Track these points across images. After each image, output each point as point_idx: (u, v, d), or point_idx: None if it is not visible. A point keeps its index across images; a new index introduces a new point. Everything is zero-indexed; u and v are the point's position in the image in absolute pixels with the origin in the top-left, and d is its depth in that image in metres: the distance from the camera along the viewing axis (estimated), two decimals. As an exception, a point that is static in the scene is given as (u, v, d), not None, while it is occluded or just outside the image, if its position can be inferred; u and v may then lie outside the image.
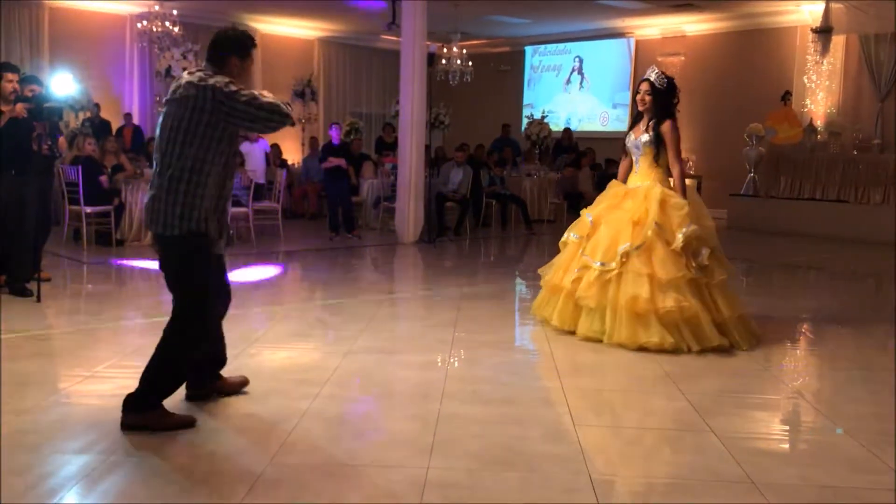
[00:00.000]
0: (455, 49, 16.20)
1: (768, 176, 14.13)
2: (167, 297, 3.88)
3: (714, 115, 15.10)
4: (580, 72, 17.93)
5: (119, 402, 3.76)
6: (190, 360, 3.86)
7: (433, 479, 3.27)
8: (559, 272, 5.92)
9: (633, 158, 5.95)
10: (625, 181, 6.01)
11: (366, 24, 16.20)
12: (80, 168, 9.54)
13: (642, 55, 16.47)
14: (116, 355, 5.03)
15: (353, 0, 14.40)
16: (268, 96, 3.73)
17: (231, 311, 4.34)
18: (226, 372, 4.31)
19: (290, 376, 4.66)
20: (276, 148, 13.85)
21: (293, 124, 3.99)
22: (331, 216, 11.62)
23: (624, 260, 5.48)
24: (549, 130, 15.73)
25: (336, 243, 10.89)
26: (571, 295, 5.74)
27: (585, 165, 15.09)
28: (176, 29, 13.69)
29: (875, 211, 12.50)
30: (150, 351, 3.84)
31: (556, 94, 18.28)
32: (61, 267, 8.41)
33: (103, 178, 9.87)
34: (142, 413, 3.72)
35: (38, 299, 6.49)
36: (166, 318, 3.86)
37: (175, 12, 13.72)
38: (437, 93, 14.76)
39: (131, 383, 3.79)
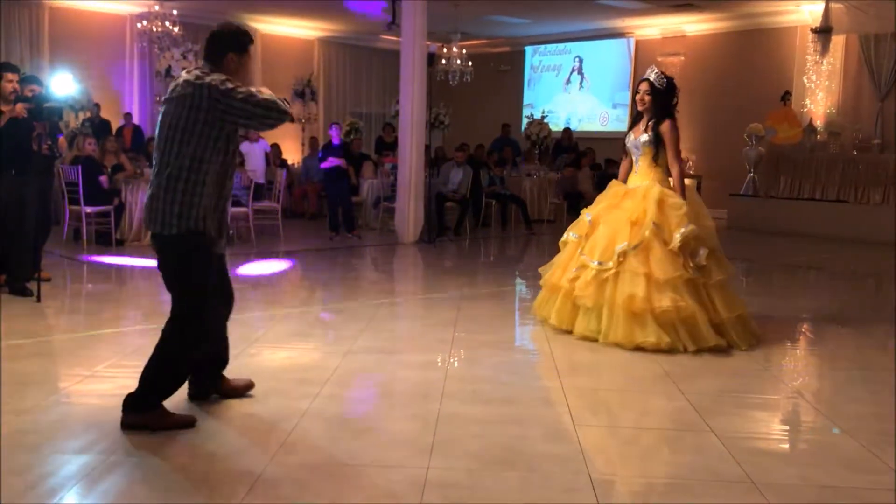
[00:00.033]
0: (455, 49, 16.20)
1: (768, 176, 14.13)
2: (167, 298, 3.87)
3: (714, 115, 15.10)
4: (580, 72, 17.93)
5: (119, 402, 3.76)
6: (190, 360, 3.86)
7: (433, 478, 3.27)
8: (558, 271, 5.94)
9: (633, 158, 5.96)
10: (625, 181, 6.02)
11: (366, 24, 16.20)
12: (80, 168, 9.54)
13: (642, 55, 16.47)
14: (116, 355, 5.03)
15: (353, 7, 14.44)
16: (266, 93, 3.71)
17: (232, 312, 4.34)
18: (227, 372, 4.30)
19: (290, 376, 4.66)
20: (276, 148, 13.85)
21: (292, 120, 3.97)
22: (331, 216, 11.62)
23: (621, 259, 5.49)
24: (549, 130, 15.73)
25: (336, 243, 10.88)
26: (569, 294, 5.75)
27: (585, 165, 15.10)
28: (176, 29, 13.70)
29: (875, 211, 12.50)
30: (149, 351, 3.83)
31: (556, 94, 18.28)
32: (61, 267, 8.40)
33: (103, 178, 9.87)
34: (142, 413, 3.72)
35: (38, 299, 6.49)
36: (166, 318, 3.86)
37: (175, 12, 13.73)
38: (437, 93, 14.77)
39: (131, 383, 3.79)
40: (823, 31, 13.47)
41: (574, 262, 5.80)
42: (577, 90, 18.00)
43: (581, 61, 17.91)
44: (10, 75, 6.72)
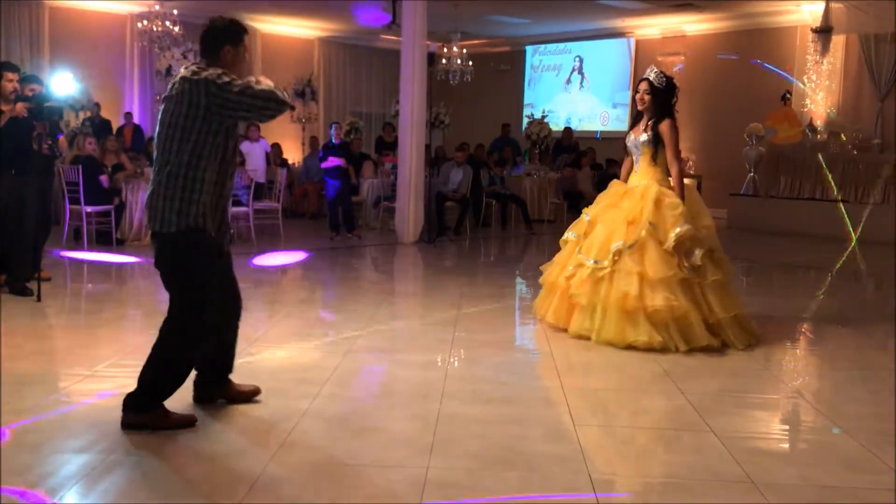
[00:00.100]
0: (455, 49, 16.19)
1: (768, 176, 14.12)
2: (167, 297, 3.85)
3: (714, 114, 15.09)
4: (580, 71, 17.93)
5: (119, 402, 3.76)
6: (190, 359, 3.83)
7: (433, 478, 3.27)
8: (556, 269, 5.98)
9: (634, 158, 5.97)
10: (626, 180, 6.03)
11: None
12: (80, 167, 9.54)
13: (642, 55, 16.47)
14: (116, 354, 5.03)
15: (363, 21, 14.54)
16: (265, 83, 3.67)
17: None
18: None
19: (290, 376, 4.66)
20: (276, 147, 13.86)
21: (293, 108, 3.94)
22: (331, 216, 11.62)
23: (616, 258, 5.51)
24: (550, 130, 15.73)
25: (336, 243, 10.88)
26: (566, 292, 5.79)
27: (586, 165, 15.10)
28: (176, 28, 13.69)
29: (875, 211, 12.49)
30: (149, 350, 3.82)
31: (557, 94, 18.28)
32: (61, 266, 8.40)
33: (103, 178, 9.87)
34: (142, 413, 3.72)
35: (39, 299, 6.49)
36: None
37: (175, 12, 13.72)
38: (437, 92, 14.77)
39: (131, 382, 3.78)
40: (823, 31, 13.47)
41: (572, 261, 5.83)
42: (577, 90, 18.00)
43: (581, 61, 17.91)
44: (10, 75, 6.72)
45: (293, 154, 16.23)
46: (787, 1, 13.90)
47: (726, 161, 14.64)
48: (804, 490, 3.28)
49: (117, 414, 3.74)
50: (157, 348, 3.77)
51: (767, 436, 4.07)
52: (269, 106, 3.64)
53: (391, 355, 5.34)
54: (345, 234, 11.32)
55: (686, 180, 5.88)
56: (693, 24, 15.66)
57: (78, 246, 9.58)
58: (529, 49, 18.75)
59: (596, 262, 5.59)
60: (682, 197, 5.64)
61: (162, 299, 3.83)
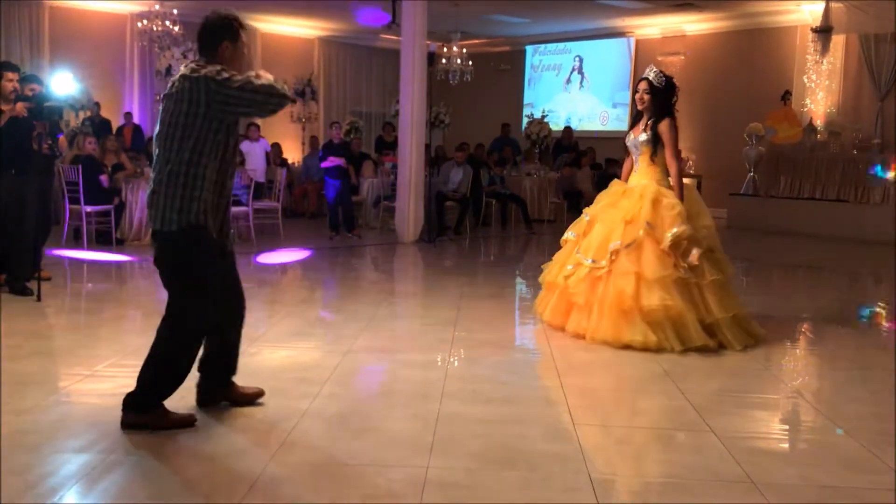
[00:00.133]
0: (455, 48, 16.19)
1: (768, 175, 14.13)
2: (166, 296, 3.86)
3: (714, 114, 15.09)
4: (580, 71, 17.93)
5: (119, 401, 3.75)
6: (189, 359, 3.80)
7: (433, 478, 3.27)
8: (555, 268, 6.00)
9: (634, 157, 5.97)
10: (627, 180, 6.04)
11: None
12: (80, 167, 9.54)
13: (642, 55, 16.47)
14: (116, 354, 5.03)
15: (364, 21, 14.55)
16: (265, 77, 3.65)
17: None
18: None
19: (290, 375, 4.66)
20: (276, 147, 13.86)
21: (294, 101, 3.92)
22: (331, 215, 11.62)
23: (614, 258, 5.52)
24: (549, 130, 15.74)
25: (336, 243, 10.89)
26: (565, 291, 5.80)
27: (585, 165, 15.11)
28: (176, 28, 13.70)
29: (874, 210, 12.50)
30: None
31: (557, 94, 18.27)
32: (61, 266, 8.40)
33: (103, 178, 9.88)
34: (141, 412, 3.71)
35: (39, 298, 6.49)
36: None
37: (175, 11, 13.73)
38: (438, 92, 14.78)
39: (131, 382, 3.78)
40: (823, 31, 13.46)
41: (571, 260, 5.85)
42: (577, 89, 18.00)
43: (581, 61, 17.90)
44: (10, 74, 6.72)
45: (293, 154, 16.23)
46: (787, 1, 13.89)
47: (726, 161, 14.64)
48: (804, 490, 3.28)
49: (117, 414, 3.74)
50: (155, 348, 3.76)
51: (767, 436, 4.07)
52: (270, 101, 3.62)
53: (391, 355, 5.34)
54: (345, 233, 11.32)
55: (686, 180, 5.89)
56: (693, 24, 15.66)
57: (78, 246, 9.58)
58: (529, 49, 18.75)
59: (594, 261, 5.60)
60: (682, 197, 5.63)
61: (162, 299, 3.82)
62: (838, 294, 8.39)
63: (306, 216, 14.01)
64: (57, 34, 14.40)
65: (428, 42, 11.39)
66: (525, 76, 18.91)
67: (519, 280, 8.78)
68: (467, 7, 14.21)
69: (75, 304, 7.04)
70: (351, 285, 8.18)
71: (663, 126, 5.72)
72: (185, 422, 3.78)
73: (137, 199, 9.98)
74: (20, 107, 6.57)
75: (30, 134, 6.62)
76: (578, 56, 17.93)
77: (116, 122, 14.17)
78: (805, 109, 14.10)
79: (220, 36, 3.78)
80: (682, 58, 15.80)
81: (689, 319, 5.37)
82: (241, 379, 4.23)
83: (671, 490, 3.26)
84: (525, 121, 17.16)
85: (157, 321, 3.79)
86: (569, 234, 6.04)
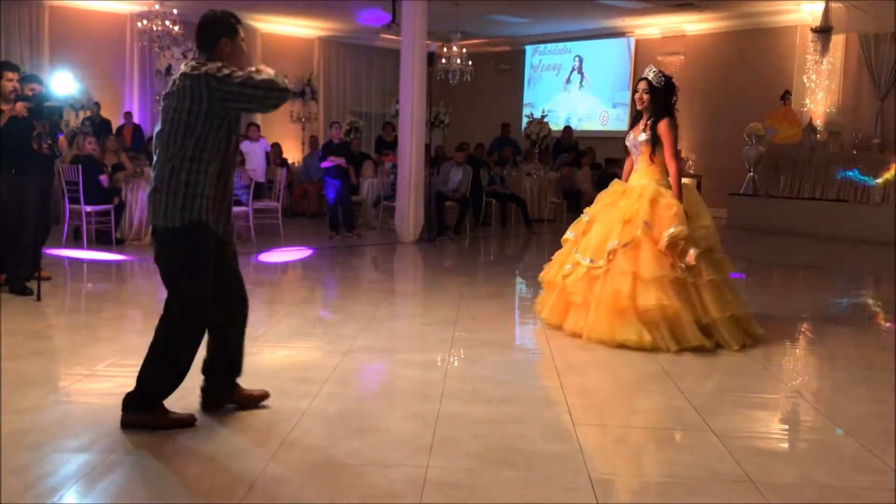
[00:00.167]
0: (455, 48, 16.20)
1: (768, 175, 14.13)
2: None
3: (714, 114, 15.09)
4: (580, 71, 17.92)
5: (119, 401, 3.75)
6: (188, 358, 3.78)
7: (433, 478, 3.27)
8: (554, 268, 6.02)
9: (634, 157, 5.98)
10: (628, 180, 6.05)
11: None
12: (80, 167, 9.54)
13: (642, 54, 16.47)
14: (116, 354, 5.03)
15: (365, 21, 14.56)
16: (266, 72, 3.64)
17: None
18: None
19: (290, 375, 4.66)
20: (276, 147, 13.87)
21: (295, 95, 3.90)
22: (330, 215, 11.63)
23: (611, 257, 5.53)
24: (549, 130, 15.74)
25: (336, 242, 10.89)
26: (563, 290, 5.83)
27: (585, 165, 15.12)
28: (176, 28, 13.70)
29: (874, 210, 12.50)
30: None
31: (556, 94, 18.27)
32: (61, 265, 8.40)
33: (103, 177, 9.88)
34: (141, 412, 3.71)
35: (39, 298, 6.49)
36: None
37: (175, 11, 13.73)
38: (437, 92, 14.78)
39: (131, 382, 3.78)
40: (823, 31, 13.47)
41: (569, 260, 5.86)
42: (577, 89, 17.99)
43: (581, 60, 17.90)
44: (10, 74, 6.72)
45: (293, 153, 16.23)
46: (787, 0, 13.89)
47: (726, 161, 14.64)
48: (804, 490, 3.28)
49: (117, 413, 3.74)
50: (154, 347, 3.75)
51: (767, 435, 4.07)
52: (271, 95, 3.62)
53: (391, 355, 5.34)
54: (345, 233, 11.32)
55: (686, 180, 5.89)
56: (693, 24, 15.66)
57: (78, 245, 9.59)
58: (529, 49, 18.75)
59: (591, 261, 5.62)
60: (680, 196, 5.64)
61: (162, 299, 3.82)
62: (838, 294, 8.39)
63: (306, 216, 14.02)
64: (57, 34, 14.40)
65: (428, 42, 11.40)
66: (525, 76, 18.91)
67: (519, 280, 8.78)
68: (467, 7, 14.21)
69: (75, 304, 7.04)
70: (351, 285, 8.18)
71: (662, 126, 5.72)
72: (185, 422, 3.78)
73: (137, 199, 9.98)
74: (20, 106, 6.57)
75: (30, 134, 6.62)
76: (578, 56, 17.93)
77: (116, 122, 14.17)
78: (805, 109, 14.10)
79: (217, 33, 3.78)
80: (682, 58, 15.80)
81: (685, 319, 5.37)
82: (241, 379, 4.23)
83: (671, 490, 3.26)
84: (525, 121, 17.17)
85: (156, 321, 3.78)
86: (569, 234, 6.07)
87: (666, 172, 5.78)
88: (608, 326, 5.44)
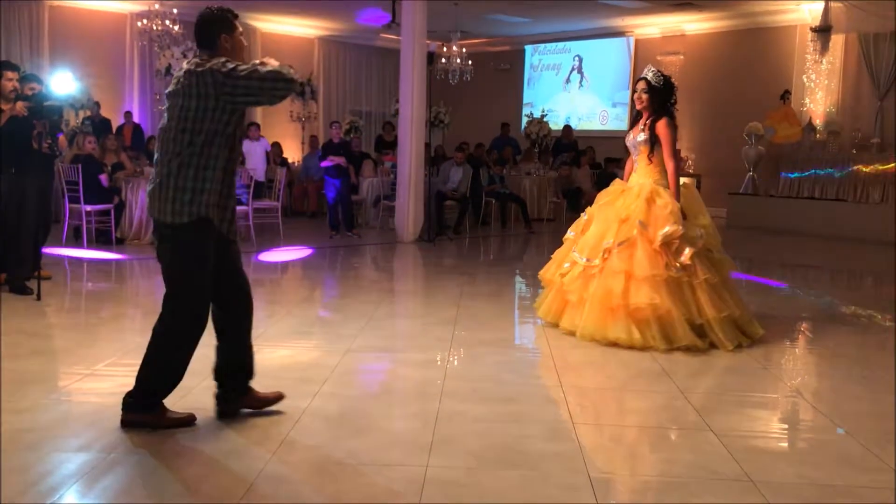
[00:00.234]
0: (455, 48, 16.19)
1: (767, 175, 14.13)
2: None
3: (713, 113, 15.10)
4: (580, 70, 17.92)
5: (119, 400, 3.76)
6: (186, 357, 3.76)
7: (432, 477, 3.27)
8: (553, 266, 6.05)
9: (633, 157, 5.99)
10: (628, 179, 6.06)
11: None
12: (80, 166, 9.54)
13: (642, 54, 16.47)
14: (116, 353, 5.04)
15: (365, 21, 14.57)
16: (271, 64, 3.62)
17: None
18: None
19: (290, 374, 4.66)
20: (276, 146, 13.87)
21: (302, 85, 3.89)
22: (330, 215, 11.63)
23: (606, 256, 5.54)
24: (549, 129, 15.74)
25: (336, 242, 10.89)
26: (560, 289, 5.86)
27: (585, 164, 15.13)
28: (176, 27, 13.69)
29: (874, 210, 12.50)
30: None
31: (556, 93, 18.27)
32: (61, 265, 8.40)
33: (103, 177, 9.87)
34: (141, 411, 3.71)
35: (39, 297, 6.49)
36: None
37: (175, 11, 13.73)
38: (437, 91, 14.77)
39: (131, 381, 3.78)
40: (823, 30, 13.46)
41: (568, 259, 5.89)
42: (576, 89, 17.99)
43: (581, 60, 17.90)
44: (10, 74, 6.72)
45: (293, 153, 16.23)
46: (787, 0, 13.89)
47: (726, 160, 14.64)
48: (803, 489, 3.28)
49: (117, 413, 3.74)
50: (152, 347, 3.75)
51: (766, 434, 4.08)
52: (278, 87, 3.58)
53: (391, 354, 5.35)
54: (344, 232, 11.33)
55: (686, 179, 5.90)
56: (692, 24, 15.66)
57: (78, 245, 9.59)
58: (529, 48, 18.75)
59: (588, 260, 5.65)
60: (677, 196, 5.65)
61: (161, 299, 3.81)
62: (838, 293, 8.39)
63: (306, 215, 14.02)
64: (57, 33, 14.39)
65: (428, 41, 11.40)
66: (525, 76, 18.91)
67: (518, 279, 8.78)
68: (467, 7, 14.21)
69: (75, 303, 7.04)
70: (351, 284, 8.19)
71: (661, 125, 5.73)
72: (185, 421, 3.78)
73: (137, 199, 9.98)
74: (20, 106, 6.57)
75: (30, 133, 6.62)
76: (578, 55, 17.93)
77: (116, 122, 14.16)
78: (804, 109, 14.10)
79: (216, 30, 3.77)
80: (682, 57, 15.80)
81: (676, 319, 5.37)
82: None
83: (670, 489, 3.27)
84: (524, 120, 17.17)
85: (156, 320, 3.78)
86: (569, 234, 6.10)
87: (665, 172, 5.78)
88: (600, 324, 5.47)
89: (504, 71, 18.95)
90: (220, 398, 3.94)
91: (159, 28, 13.75)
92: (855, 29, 13.52)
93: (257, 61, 3.64)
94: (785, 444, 3.98)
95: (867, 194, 12.88)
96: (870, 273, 9.86)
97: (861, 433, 3.92)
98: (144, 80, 15.37)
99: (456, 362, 5.11)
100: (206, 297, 3.74)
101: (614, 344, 5.38)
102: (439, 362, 5.07)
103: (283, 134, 16.13)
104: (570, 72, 18.08)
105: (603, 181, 6.63)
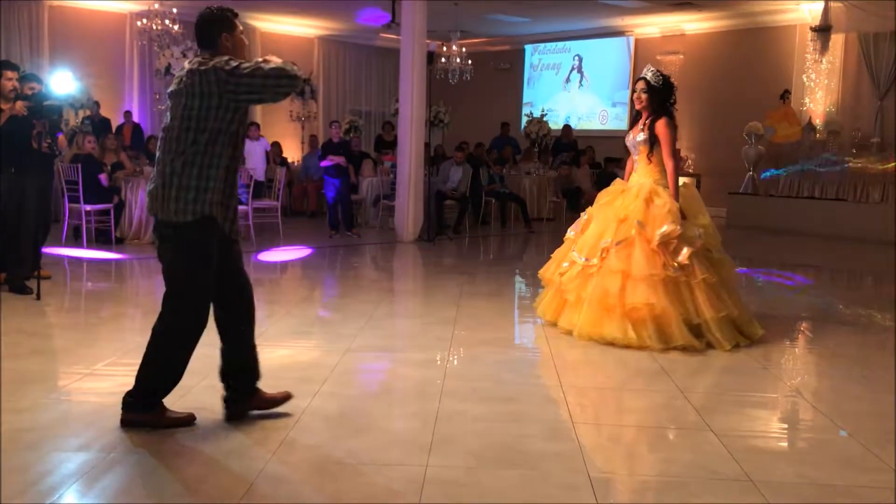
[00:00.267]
0: (455, 47, 16.19)
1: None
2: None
3: (713, 113, 15.10)
4: (580, 70, 17.92)
5: (118, 400, 3.76)
6: (186, 356, 3.76)
7: (432, 477, 3.27)
8: (552, 266, 6.06)
9: (634, 157, 5.99)
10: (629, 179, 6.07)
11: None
12: (79, 166, 9.54)
13: (642, 53, 16.47)
14: (116, 353, 5.04)
15: (365, 21, 14.57)
16: (273, 61, 3.62)
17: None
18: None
19: (289, 374, 4.65)
20: (276, 146, 13.87)
21: (306, 81, 3.88)
22: (330, 214, 11.63)
23: (604, 256, 5.55)
24: (549, 129, 15.74)
25: (335, 241, 10.89)
26: (559, 288, 5.88)
27: (584, 163, 15.12)
28: (176, 27, 13.69)
29: (874, 209, 12.50)
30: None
31: (556, 93, 18.27)
32: (61, 264, 8.40)
33: (103, 176, 9.87)
34: (141, 411, 3.71)
35: (38, 297, 6.49)
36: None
37: (175, 10, 13.73)
38: (437, 91, 14.76)
39: (131, 380, 3.78)
40: (823, 30, 13.46)
41: (567, 258, 5.90)
42: (576, 88, 18.00)
43: (581, 60, 17.90)
44: (9, 73, 6.72)
45: (293, 152, 16.22)
46: (787, 0, 13.89)
47: (725, 159, 14.64)
48: (802, 488, 3.28)
49: (117, 412, 3.74)
50: (152, 346, 3.74)
51: (766, 434, 4.08)
52: (282, 83, 3.58)
53: (391, 354, 5.35)
54: (344, 232, 11.33)
55: (686, 179, 5.90)
56: (692, 23, 15.66)
57: (77, 244, 9.59)
58: (529, 48, 18.75)
59: (586, 259, 5.65)
60: (676, 196, 5.65)
61: (161, 298, 3.81)
62: (837, 293, 8.39)
63: (306, 215, 14.02)
64: (56, 33, 14.38)
65: (427, 41, 11.40)
66: (524, 75, 18.91)
67: (518, 279, 8.78)
68: (467, 6, 14.20)
69: (75, 303, 7.04)
70: (350, 284, 8.19)
71: (660, 125, 5.73)
72: (185, 421, 3.77)
73: (137, 198, 9.98)
74: (20, 105, 6.57)
75: (29, 133, 6.62)
76: (578, 55, 17.93)
77: (116, 121, 14.15)
78: (804, 108, 14.10)
79: (216, 29, 3.76)
80: (682, 57, 15.80)
81: (672, 318, 5.37)
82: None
83: (670, 488, 3.27)
84: (524, 120, 17.16)
85: (156, 319, 3.77)
86: (570, 233, 6.11)
87: (665, 172, 5.78)
88: (596, 324, 5.49)
89: (504, 70, 18.95)
90: (228, 400, 3.91)
91: (159, 28, 13.74)
92: (855, 28, 13.52)
93: (260, 59, 3.64)
94: (785, 444, 3.99)
95: (867, 194, 12.87)
96: (870, 273, 9.86)
97: (861, 433, 3.92)
98: (144, 79, 15.36)
99: (456, 362, 5.11)
100: (207, 296, 3.73)
101: (611, 343, 5.39)
102: (439, 362, 5.07)
103: (283, 133, 16.12)
104: (570, 71, 18.08)
105: (603, 181, 6.63)
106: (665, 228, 5.45)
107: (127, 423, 3.71)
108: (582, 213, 6.09)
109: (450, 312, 6.49)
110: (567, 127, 16.53)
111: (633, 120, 6.08)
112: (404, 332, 6.18)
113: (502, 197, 13.16)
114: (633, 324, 5.38)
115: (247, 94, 3.59)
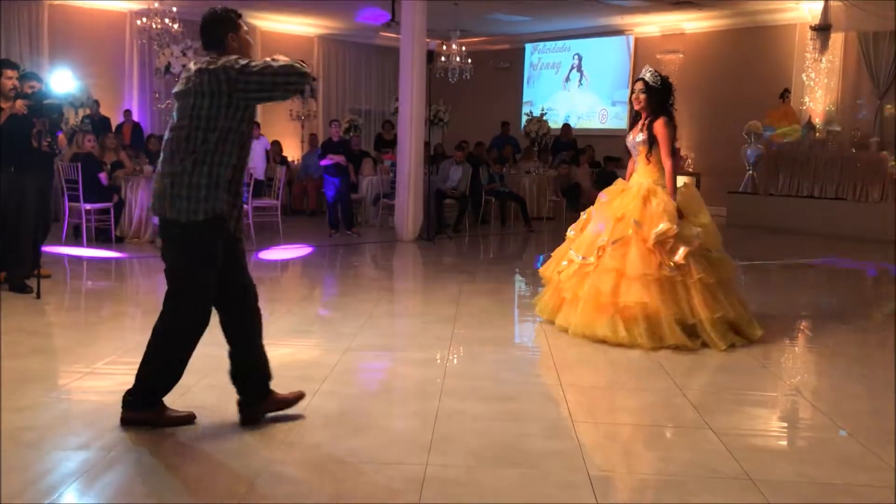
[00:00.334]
0: (455, 46, 16.20)
1: (767, 173, 14.13)
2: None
3: (713, 112, 15.10)
4: (579, 69, 17.92)
5: (118, 399, 3.76)
6: (186, 355, 3.75)
7: (432, 475, 3.27)
8: (552, 264, 6.09)
9: (634, 157, 6.00)
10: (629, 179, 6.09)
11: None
12: (79, 165, 9.54)
13: (641, 53, 16.47)
14: (116, 351, 5.04)
15: (365, 20, 14.58)
16: (281, 59, 3.63)
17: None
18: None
19: (289, 373, 4.65)
20: (276, 145, 13.88)
21: (314, 79, 3.89)
22: (330, 213, 11.63)
23: (600, 254, 5.56)
24: (548, 128, 15.75)
25: (335, 240, 10.89)
26: (557, 287, 5.91)
27: (584, 162, 15.12)
28: (175, 26, 13.68)
29: (873, 209, 12.50)
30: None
31: (556, 92, 18.27)
32: (61, 263, 8.40)
33: (103, 175, 9.88)
34: (141, 410, 3.71)
35: (38, 296, 6.49)
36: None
37: (174, 9, 13.72)
38: (437, 90, 14.76)
39: (131, 379, 3.78)
40: (822, 29, 13.46)
41: (566, 257, 5.91)
42: (576, 87, 18.00)
43: (580, 59, 17.90)
44: (9, 72, 6.72)
45: (293, 151, 16.23)
46: (787, -1, 13.92)
47: (725, 158, 14.64)
48: (802, 487, 3.29)
49: (117, 411, 3.74)
50: (152, 345, 3.74)
51: (766, 433, 4.08)
52: (291, 80, 3.60)
53: (390, 352, 5.35)
54: (344, 231, 11.33)
55: (685, 178, 5.91)
56: (692, 22, 15.66)
57: (77, 243, 9.59)
58: (529, 47, 18.75)
59: (583, 258, 5.67)
60: (674, 196, 5.65)
61: (161, 296, 3.81)
62: (837, 292, 8.40)
63: (306, 214, 14.02)
64: (56, 32, 14.38)
65: (427, 40, 11.39)
66: (524, 74, 18.91)
67: (518, 278, 8.78)
68: (467, 5, 14.20)
69: (75, 302, 7.04)
70: (350, 283, 8.19)
71: (658, 125, 5.73)
72: (185, 420, 3.78)
73: (137, 197, 9.99)
74: (20, 104, 6.57)
75: (29, 131, 6.62)
76: (578, 54, 17.93)
77: (116, 120, 14.15)
78: (804, 107, 14.10)
79: (222, 30, 3.77)
80: (681, 56, 15.80)
81: (664, 318, 5.38)
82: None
83: (669, 487, 3.27)
84: (524, 119, 17.16)
85: (156, 318, 3.78)
86: (570, 232, 6.13)
87: (664, 171, 5.79)
88: (589, 321, 5.51)
89: (504, 69, 18.95)
90: (242, 404, 3.87)
91: (159, 26, 13.74)
92: (854, 28, 13.52)
93: (268, 58, 3.65)
94: (784, 443, 3.99)
95: (866, 193, 12.88)
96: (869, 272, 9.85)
97: (861, 432, 3.92)
98: (144, 78, 15.36)
99: (455, 361, 5.12)
100: (208, 296, 3.73)
101: (602, 341, 5.41)
102: (439, 361, 5.07)
103: (283, 132, 16.13)
104: (570, 70, 18.08)
105: (602, 180, 6.64)
106: (661, 227, 5.45)
107: (127, 421, 3.71)
108: (582, 213, 6.10)
109: (449, 311, 6.50)
110: (567, 126, 16.53)
111: (633, 121, 6.08)
112: (404, 331, 6.19)
113: (502, 196, 13.16)
114: (624, 322, 5.40)
115: (257, 93, 3.59)
